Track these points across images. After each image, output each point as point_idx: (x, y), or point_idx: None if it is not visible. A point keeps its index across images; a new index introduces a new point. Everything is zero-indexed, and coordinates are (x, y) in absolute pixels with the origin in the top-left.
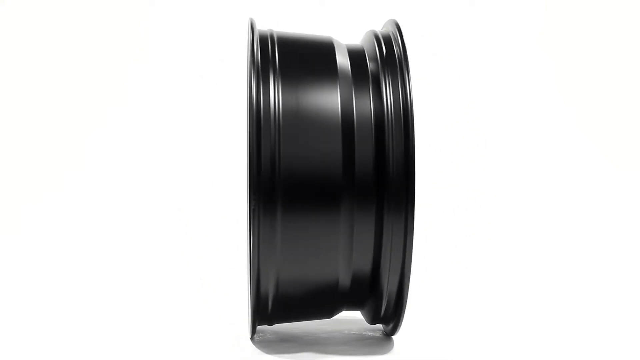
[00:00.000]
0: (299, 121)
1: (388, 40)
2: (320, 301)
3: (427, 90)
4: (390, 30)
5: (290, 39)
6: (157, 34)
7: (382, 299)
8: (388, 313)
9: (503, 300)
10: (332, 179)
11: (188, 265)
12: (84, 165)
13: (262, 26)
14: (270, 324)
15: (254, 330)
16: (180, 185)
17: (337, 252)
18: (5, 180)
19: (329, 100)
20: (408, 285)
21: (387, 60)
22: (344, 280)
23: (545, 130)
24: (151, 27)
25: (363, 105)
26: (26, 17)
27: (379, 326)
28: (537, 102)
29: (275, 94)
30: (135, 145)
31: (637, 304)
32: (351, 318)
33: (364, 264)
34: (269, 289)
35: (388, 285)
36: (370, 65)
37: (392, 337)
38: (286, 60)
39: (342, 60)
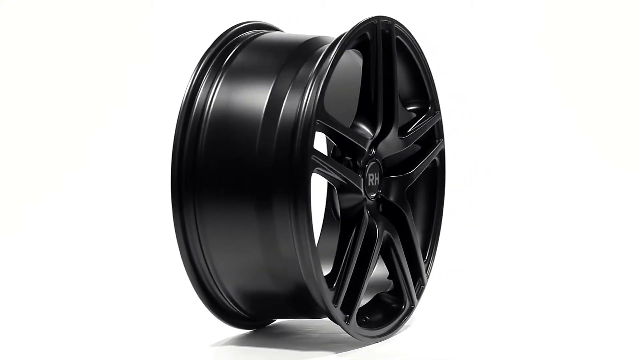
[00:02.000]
0: (226, 116)
1: (334, 44)
2: (273, 299)
3: None
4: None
5: (263, 41)
6: (157, 34)
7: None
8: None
9: (503, 300)
10: (244, 173)
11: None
12: (84, 165)
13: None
14: (251, 318)
15: (227, 321)
16: None
17: (258, 246)
18: (5, 181)
19: (257, 98)
20: (323, 291)
21: (319, 63)
22: (281, 275)
23: (545, 130)
24: (151, 27)
25: (289, 107)
26: (26, 18)
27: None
28: (537, 102)
29: (213, 90)
30: (135, 145)
31: (637, 303)
32: None
33: (292, 264)
34: (209, 276)
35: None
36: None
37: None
38: (241, 59)
39: (295, 62)
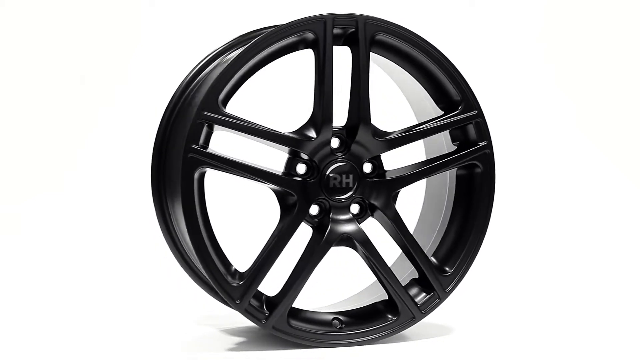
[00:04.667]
0: (186, 110)
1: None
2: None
3: None
4: None
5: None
6: (157, 34)
7: None
8: None
9: (503, 300)
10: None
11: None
12: (83, 165)
13: None
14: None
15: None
16: None
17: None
18: (5, 180)
19: (199, 95)
20: (221, 285)
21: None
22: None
23: (545, 129)
24: (151, 27)
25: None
26: (27, 22)
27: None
28: (536, 102)
29: (195, 86)
30: (135, 146)
31: (637, 301)
32: None
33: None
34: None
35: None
36: None
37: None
38: (226, 59)
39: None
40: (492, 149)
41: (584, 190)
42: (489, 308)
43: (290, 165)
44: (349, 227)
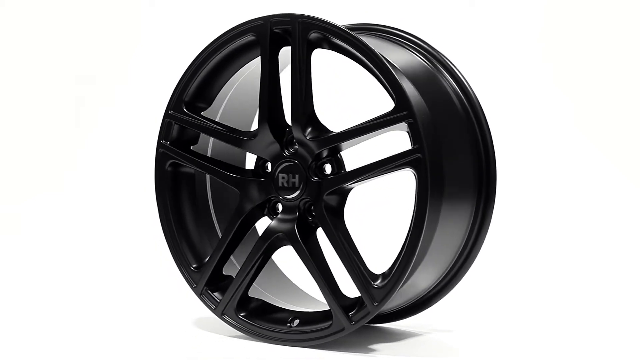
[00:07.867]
0: None
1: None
2: None
3: None
4: None
5: None
6: (157, 34)
7: None
8: None
9: (502, 300)
10: None
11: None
12: (83, 165)
13: None
14: None
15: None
16: None
17: None
18: (5, 180)
19: None
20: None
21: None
22: None
23: (544, 128)
24: (151, 27)
25: None
26: (27, 22)
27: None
28: (535, 101)
29: None
30: (135, 146)
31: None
32: None
33: None
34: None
35: None
36: None
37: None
38: None
39: None
40: (424, 154)
41: (583, 190)
42: (487, 311)
43: (258, 163)
44: (284, 227)
